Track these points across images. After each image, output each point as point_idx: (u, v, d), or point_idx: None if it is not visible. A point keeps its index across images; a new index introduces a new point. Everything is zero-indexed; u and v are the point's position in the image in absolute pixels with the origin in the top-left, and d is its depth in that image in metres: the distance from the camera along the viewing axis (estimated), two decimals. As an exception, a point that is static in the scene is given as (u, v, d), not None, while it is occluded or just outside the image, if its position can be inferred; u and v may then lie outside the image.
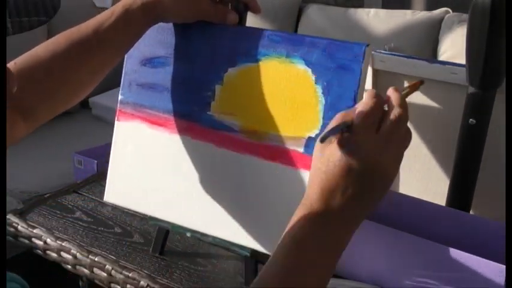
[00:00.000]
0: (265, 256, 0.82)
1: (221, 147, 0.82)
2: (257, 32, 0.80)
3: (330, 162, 0.57)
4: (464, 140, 0.88)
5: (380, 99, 0.59)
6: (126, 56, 0.88)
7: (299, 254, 0.58)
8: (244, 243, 0.81)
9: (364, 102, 0.58)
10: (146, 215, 0.94)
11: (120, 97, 0.89)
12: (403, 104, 0.59)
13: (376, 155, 0.57)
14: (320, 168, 0.58)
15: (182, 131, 0.85)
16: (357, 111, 0.58)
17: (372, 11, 2.49)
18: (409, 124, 0.61)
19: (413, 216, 0.90)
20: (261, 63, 0.79)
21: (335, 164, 0.57)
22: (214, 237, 0.85)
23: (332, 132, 0.57)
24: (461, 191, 0.90)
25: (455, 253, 0.78)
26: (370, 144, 0.57)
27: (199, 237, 0.93)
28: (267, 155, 0.78)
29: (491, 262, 0.76)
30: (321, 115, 0.75)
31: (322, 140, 0.57)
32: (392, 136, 0.58)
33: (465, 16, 2.22)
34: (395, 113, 0.58)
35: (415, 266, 0.82)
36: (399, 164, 0.59)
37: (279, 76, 0.77)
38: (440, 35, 2.30)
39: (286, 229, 0.59)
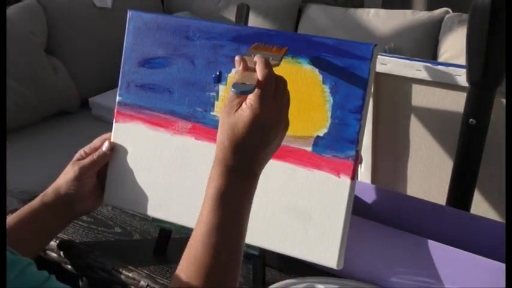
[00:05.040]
0: (273, 255, 0.83)
1: None
2: (262, 32, 0.80)
3: (238, 124, 0.67)
4: (464, 140, 0.88)
5: (272, 73, 0.69)
6: (123, 57, 0.88)
7: (220, 206, 0.68)
8: (252, 242, 0.81)
9: (263, 73, 0.69)
10: (148, 217, 0.94)
11: (118, 98, 0.89)
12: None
13: (275, 116, 0.68)
14: (228, 129, 0.68)
15: (185, 131, 0.85)
16: (260, 81, 0.68)
17: (372, 11, 2.49)
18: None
19: (413, 216, 0.91)
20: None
21: (243, 127, 0.67)
22: None
23: (245, 91, 0.67)
24: (462, 190, 0.90)
25: (455, 252, 0.78)
26: (270, 109, 0.68)
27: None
28: (274, 154, 0.78)
29: (491, 261, 0.76)
30: (328, 114, 0.75)
31: (239, 93, 0.68)
32: (283, 100, 0.70)
33: (465, 16, 2.22)
34: (280, 81, 0.70)
35: (415, 266, 0.82)
36: (287, 119, 0.71)
37: (285, 76, 0.77)
38: (440, 35, 2.30)
39: (206, 189, 0.70)
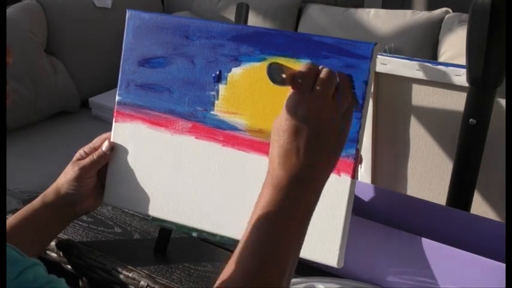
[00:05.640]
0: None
1: (226, 146, 0.82)
2: (262, 31, 0.80)
3: (279, 131, 0.63)
4: (464, 140, 0.88)
5: (313, 65, 0.65)
6: (123, 57, 0.88)
7: (269, 224, 0.61)
8: None
9: (299, 70, 0.64)
10: (148, 216, 0.94)
11: (117, 98, 0.89)
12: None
13: (315, 113, 0.62)
14: (273, 140, 0.64)
15: (185, 130, 0.85)
16: (292, 76, 0.63)
17: (372, 11, 2.49)
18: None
19: (413, 216, 0.91)
20: (266, 62, 0.79)
21: (283, 129, 0.62)
22: (221, 237, 0.85)
23: (274, 80, 0.63)
24: (462, 190, 0.90)
25: (456, 252, 0.78)
26: (307, 102, 0.62)
27: (205, 237, 0.93)
28: None
29: (491, 261, 0.76)
30: None
31: (267, 69, 0.63)
32: (325, 92, 0.63)
33: (465, 16, 2.22)
34: (324, 72, 0.64)
35: (415, 266, 0.82)
36: (343, 117, 0.65)
37: None
38: (440, 35, 2.30)
39: (255, 204, 0.63)
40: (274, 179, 0.63)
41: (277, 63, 0.64)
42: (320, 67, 0.65)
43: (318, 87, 0.63)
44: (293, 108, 0.62)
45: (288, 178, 0.62)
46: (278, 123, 0.63)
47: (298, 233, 0.63)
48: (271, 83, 0.64)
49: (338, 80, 0.66)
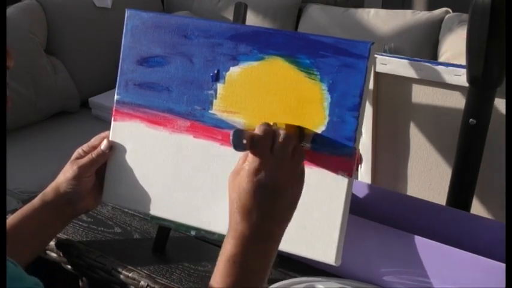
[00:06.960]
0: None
1: (224, 145, 0.82)
2: (260, 31, 0.80)
3: (241, 189, 0.67)
4: (464, 140, 0.88)
5: (268, 125, 0.70)
6: (121, 56, 0.88)
7: (233, 272, 0.67)
8: None
9: (256, 134, 0.69)
10: (147, 215, 0.94)
11: (116, 97, 0.89)
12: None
13: (274, 172, 0.67)
14: (235, 197, 0.68)
15: (183, 129, 0.85)
16: (251, 138, 0.68)
17: (372, 11, 2.49)
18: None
19: (413, 216, 0.91)
20: (264, 61, 0.79)
21: (244, 189, 0.67)
22: (219, 235, 0.85)
23: (236, 146, 0.67)
24: (462, 190, 0.90)
25: (455, 252, 0.78)
26: (268, 165, 0.67)
27: (204, 235, 0.93)
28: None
29: (491, 261, 0.76)
30: (326, 112, 0.76)
31: (231, 136, 0.67)
32: (285, 154, 0.68)
33: (465, 16, 2.22)
34: (282, 135, 0.69)
35: (415, 266, 0.82)
36: (299, 176, 0.70)
37: (283, 74, 0.78)
38: (440, 35, 2.30)
39: (220, 253, 0.69)
40: (237, 233, 0.68)
41: (240, 129, 0.69)
42: (277, 131, 0.70)
43: (276, 151, 0.68)
44: (253, 170, 0.67)
45: (250, 234, 0.68)
46: (238, 182, 0.68)
47: (262, 276, 0.69)
48: (233, 149, 0.68)
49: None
